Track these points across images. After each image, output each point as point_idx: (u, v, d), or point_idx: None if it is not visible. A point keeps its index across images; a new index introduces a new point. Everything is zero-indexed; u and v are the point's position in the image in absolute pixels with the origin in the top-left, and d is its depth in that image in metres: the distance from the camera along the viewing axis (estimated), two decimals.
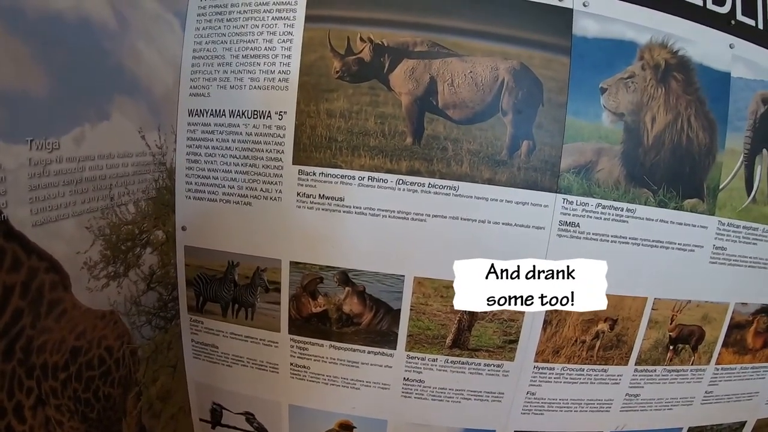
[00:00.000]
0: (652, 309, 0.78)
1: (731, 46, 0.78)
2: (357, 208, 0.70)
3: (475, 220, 0.70)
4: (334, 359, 0.75)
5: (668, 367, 0.83)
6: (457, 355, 0.74)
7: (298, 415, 0.79)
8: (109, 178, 0.63)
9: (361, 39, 0.69)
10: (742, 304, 0.84)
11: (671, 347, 0.82)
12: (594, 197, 0.71)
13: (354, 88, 0.69)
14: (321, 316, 0.73)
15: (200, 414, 0.83)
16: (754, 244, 0.81)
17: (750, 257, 0.82)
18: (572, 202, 0.71)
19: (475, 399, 0.77)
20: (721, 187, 0.78)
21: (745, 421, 0.93)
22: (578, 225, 0.71)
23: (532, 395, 0.78)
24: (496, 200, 0.69)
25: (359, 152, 0.69)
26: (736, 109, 0.79)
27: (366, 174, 0.69)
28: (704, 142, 0.76)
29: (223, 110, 0.71)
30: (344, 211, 0.70)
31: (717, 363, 0.85)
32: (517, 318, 0.73)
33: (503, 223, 0.70)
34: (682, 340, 0.82)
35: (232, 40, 0.70)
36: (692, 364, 0.84)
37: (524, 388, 0.77)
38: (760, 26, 0.81)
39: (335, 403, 0.78)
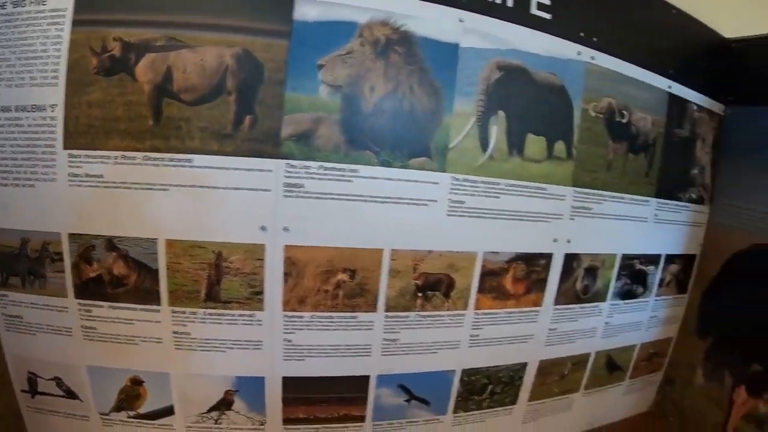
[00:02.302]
0: (391, 260, 0.86)
1: (461, 20, 0.86)
2: (113, 183, 0.80)
3: (210, 187, 0.80)
4: (113, 318, 0.85)
5: (423, 313, 0.90)
6: (213, 308, 0.84)
7: (96, 375, 0.88)
8: None
9: (114, 39, 0.80)
10: (492, 252, 0.91)
11: (420, 294, 0.89)
12: (316, 161, 0.81)
13: (108, 82, 0.80)
14: (97, 280, 0.84)
15: (21, 386, 0.91)
16: (496, 197, 0.89)
17: (494, 209, 0.89)
18: (295, 165, 0.80)
19: (237, 348, 0.86)
20: (450, 146, 0.86)
21: (526, 363, 0.99)
22: (303, 186, 0.81)
23: (288, 342, 0.86)
24: (225, 168, 0.79)
25: (112, 136, 0.80)
26: (466, 76, 0.87)
27: (119, 153, 0.80)
28: (428, 107, 0.85)
29: (10, 106, 0.83)
30: (104, 187, 0.81)
31: (476, 308, 0.92)
32: (258, 272, 0.82)
33: (234, 188, 0.80)
34: (431, 288, 0.89)
35: (17, 44, 0.82)
36: (448, 310, 0.91)
37: (279, 336, 0.86)
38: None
39: (122, 360, 0.87)
